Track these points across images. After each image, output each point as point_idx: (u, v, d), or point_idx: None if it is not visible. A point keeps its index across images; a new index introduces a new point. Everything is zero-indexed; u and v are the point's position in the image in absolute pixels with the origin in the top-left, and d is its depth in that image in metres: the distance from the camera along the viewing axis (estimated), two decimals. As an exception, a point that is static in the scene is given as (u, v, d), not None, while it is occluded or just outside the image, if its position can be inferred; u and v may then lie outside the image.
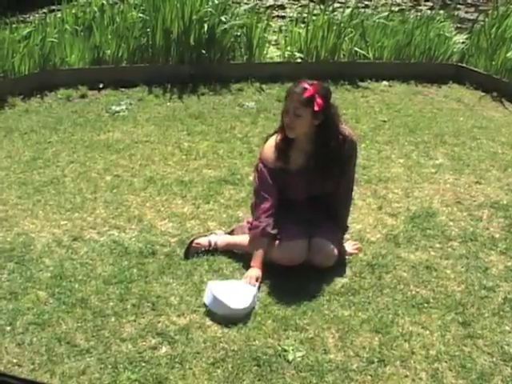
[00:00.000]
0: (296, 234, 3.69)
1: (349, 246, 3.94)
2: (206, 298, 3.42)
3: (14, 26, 7.14)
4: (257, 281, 3.57)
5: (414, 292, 3.61)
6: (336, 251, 3.71)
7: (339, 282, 3.66)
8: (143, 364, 3.01)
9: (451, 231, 4.26)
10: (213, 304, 3.37)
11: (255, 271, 3.63)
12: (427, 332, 3.29)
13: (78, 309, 3.37)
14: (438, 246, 4.09)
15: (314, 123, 3.52)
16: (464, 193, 4.81)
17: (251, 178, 4.73)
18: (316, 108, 3.46)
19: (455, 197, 4.74)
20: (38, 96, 6.63)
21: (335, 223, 3.84)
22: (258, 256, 3.68)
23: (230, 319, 3.30)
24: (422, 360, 3.10)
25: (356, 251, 3.93)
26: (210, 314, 3.36)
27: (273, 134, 3.74)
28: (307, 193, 3.75)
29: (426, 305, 3.50)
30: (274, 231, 3.67)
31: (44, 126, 5.85)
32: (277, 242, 3.69)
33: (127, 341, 3.15)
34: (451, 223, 4.36)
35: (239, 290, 3.43)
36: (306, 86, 3.49)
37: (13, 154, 5.29)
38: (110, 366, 2.99)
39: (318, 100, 3.46)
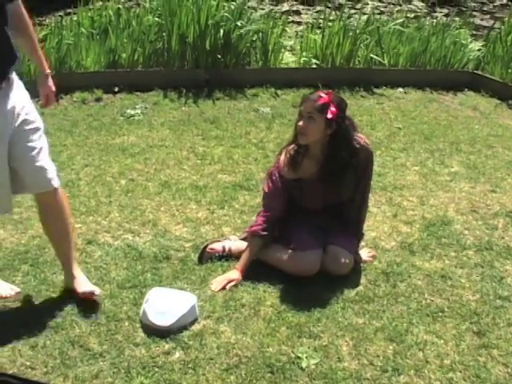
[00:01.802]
0: (310, 244, 3.69)
1: (364, 253, 3.93)
2: (142, 306, 3.38)
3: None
4: (229, 283, 3.62)
5: (428, 301, 3.59)
6: (351, 259, 3.71)
7: (354, 289, 3.65)
8: (156, 369, 3.00)
9: (466, 240, 4.24)
10: (141, 314, 3.34)
11: (233, 274, 3.68)
12: (442, 341, 3.27)
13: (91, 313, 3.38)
14: (452, 254, 4.07)
15: (326, 132, 3.52)
16: (479, 201, 4.79)
17: (262, 184, 4.74)
18: (329, 116, 3.45)
19: (470, 205, 4.72)
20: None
21: (351, 231, 3.83)
22: (243, 259, 3.73)
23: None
24: (437, 369, 3.08)
25: (371, 259, 3.92)
26: (220, 320, 3.37)
27: (287, 146, 3.74)
28: (324, 202, 3.76)
29: (440, 314, 3.48)
30: (265, 234, 3.71)
31: (59, 129, 5.86)
32: (290, 252, 3.69)
33: (140, 345, 3.15)
34: (466, 232, 4.34)
35: (172, 305, 3.33)
36: (322, 94, 3.50)
37: (28, 157, 5.30)
38: (123, 371, 2.99)
39: (332, 108, 3.46)
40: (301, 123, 3.52)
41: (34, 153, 3.17)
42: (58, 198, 3.32)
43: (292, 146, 3.67)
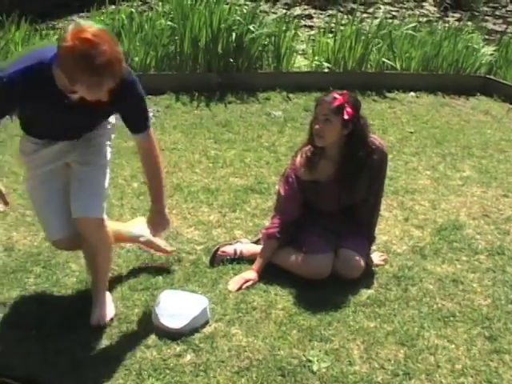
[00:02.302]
0: (321, 247, 3.69)
1: (375, 257, 3.93)
2: (154, 308, 3.38)
3: (44, 32, 7.22)
4: (246, 283, 3.65)
5: (440, 305, 3.59)
6: (363, 263, 3.70)
7: (365, 293, 3.65)
8: (167, 371, 3.01)
9: (478, 244, 4.23)
10: (153, 316, 3.34)
11: (250, 274, 3.72)
12: (453, 346, 3.26)
13: (103, 314, 3.39)
14: (464, 258, 4.06)
15: (343, 133, 3.52)
16: (491, 206, 4.78)
17: (278, 186, 4.73)
18: (346, 117, 3.46)
19: (482, 210, 4.72)
20: (67, 102, 6.67)
21: (363, 234, 3.83)
22: (259, 260, 3.76)
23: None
24: (448, 374, 3.07)
25: (382, 262, 3.92)
26: (232, 323, 3.37)
27: (302, 147, 3.74)
28: (339, 204, 3.76)
29: (452, 318, 3.47)
30: (281, 237, 3.74)
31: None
32: (302, 255, 3.70)
33: (152, 348, 3.16)
34: (478, 236, 4.33)
35: (184, 307, 3.33)
36: (336, 95, 3.49)
37: (41, 159, 5.33)
38: (134, 373, 2.99)
39: (348, 109, 3.46)
40: (317, 126, 3.52)
41: (81, 180, 3.17)
42: (94, 231, 3.20)
43: (308, 147, 3.67)
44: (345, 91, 3.58)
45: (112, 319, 3.33)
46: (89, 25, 2.72)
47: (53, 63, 2.79)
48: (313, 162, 3.65)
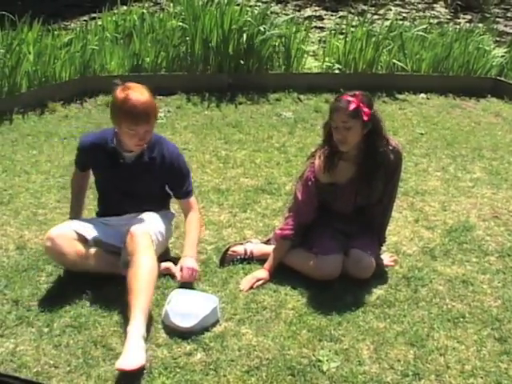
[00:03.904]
0: (332, 248, 3.69)
1: (385, 257, 3.93)
2: (164, 307, 3.40)
3: (55, 33, 7.26)
4: (257, 282, 3.69)
5: (449, 306, 3.59)
6: (373, 263, 3.70)
7: (375, 293, 3.66)
8: (178, 370, 3.03)
9: (488, 246, 4.23)
10: (163, 315, 3.37)
11: (261, 273, 3.75)
12: (463, 347, 3.26)
13: (114, 313, 3.40)
14: (474, 260, 4.06)
15: (363, 133, 3.51)
16: (501, 207, 4.78)
17: (288, 187, 4.76)
18: (365, 118, 3.44)
19: (492, 211, 4.71)
20: (78, 102, 6.71)
21: (373, 234, 3.84)
22: (271, 259, 3.79)
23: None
24: (457, 375, 3.07)
25: (392, 263, 3.92)
26: (242, 322, 3.39)
27: (317, 150, 3.72)
28: (354, 205, 3.75)
29: (461, 319, 3.47)
30: (295, 238, 3.76)
31: (83, 132, 5.89)
32: (312, 256, 3.71)
33: (162, 346, 3.18)
34: (488, 238, 4.33)
35: (194, 306, 3.34)
36: (349, 98, 3.45)
37: (52, 159, 5.37)
38: (145, 371, 3.01)
39: (365, 110, 3.43)
40: (339, 136, 3.49)
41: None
42: (141, 240, 3.45)
43: (324, 149, 3.66)
44: (356, 92, 3.54)
45: (141, 370, 2.99)
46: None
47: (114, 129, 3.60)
48: (332, 162, 3.62)
